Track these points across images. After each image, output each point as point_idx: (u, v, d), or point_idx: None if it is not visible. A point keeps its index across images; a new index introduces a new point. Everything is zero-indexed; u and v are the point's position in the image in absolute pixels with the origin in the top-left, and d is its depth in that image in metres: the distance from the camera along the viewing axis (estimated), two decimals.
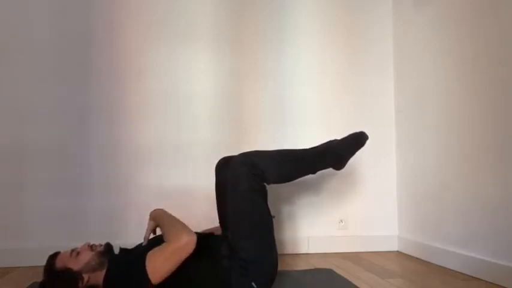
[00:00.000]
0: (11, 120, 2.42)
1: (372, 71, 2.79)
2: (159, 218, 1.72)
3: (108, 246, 1.65)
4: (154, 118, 2.56)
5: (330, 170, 2.06)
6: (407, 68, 2.66)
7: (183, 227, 1.62)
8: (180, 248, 1.52)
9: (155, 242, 1.66)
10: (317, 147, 1.97)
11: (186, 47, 2.61)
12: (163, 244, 1.56)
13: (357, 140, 1.98)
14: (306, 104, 2.71)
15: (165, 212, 1.76)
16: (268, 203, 1.81)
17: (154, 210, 1.79)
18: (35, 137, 2.43)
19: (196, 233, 1.91)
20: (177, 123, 2.58)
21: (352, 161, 2.05)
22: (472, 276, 2.01)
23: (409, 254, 2.57)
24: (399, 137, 2.75)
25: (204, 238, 1.84)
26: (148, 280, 1.48)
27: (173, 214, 2.46)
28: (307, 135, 2.65)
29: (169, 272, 1.51)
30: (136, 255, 1.60)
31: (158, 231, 1.79)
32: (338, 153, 1.95)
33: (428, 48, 2.43)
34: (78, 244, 1.66)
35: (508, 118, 1.84)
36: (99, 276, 1.55)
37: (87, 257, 1.57)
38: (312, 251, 2.63)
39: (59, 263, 1.54)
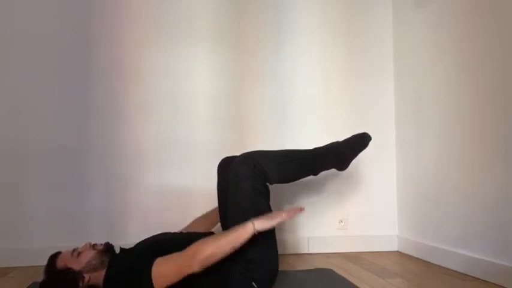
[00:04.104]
0: (11, 120, 2.42)
1: (372, 71, 2.79)
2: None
3: (108, 246, 1.65)
4: (154, 118, 2.56)
5: (331, 170, 2.07)
6: (407, 68, 2.66)
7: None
8: (192, 265, 1.49)
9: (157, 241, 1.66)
10: (320, 148, 1.97)
11: (186, 47, 2.61)
12: (180, 253, 1.53)
13: (360, 141, 1.99)
14: (306, 104, 2.71)
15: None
16: (270, 202, 1.81)
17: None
18: (35, 137, 2.43)
19: (195, 233, 1.92)
20: (177, 123, 2.57)
21: (353, 161, 2.05)
22: (472, 276, 2.01)
23: (409, 254, 2.57)
24: (399, 137, 2.75)
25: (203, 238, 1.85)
26: (151, 284, 1.48)
27: (173, 214, 2.48)
28: (307, 135, 2.65)
29: (174, 282, 1.50)
30: (140, 256, 1.60)
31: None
32: (341, 153, 1.96)
33: (428, 48, 2.43)
34: (78, 244, 1.66)
35: (508, 118, 1.84)
36: (100, 276, 1.55)
37: (88, 256, 1.57)
38: (312, 251, 2.63)
39: (60, 263, 1.55)
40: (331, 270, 2.14)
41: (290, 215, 1.64)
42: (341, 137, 2.02)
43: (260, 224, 1.58)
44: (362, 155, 2.13)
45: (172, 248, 1.69)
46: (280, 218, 1.61)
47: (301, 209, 1.66)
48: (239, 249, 1.69)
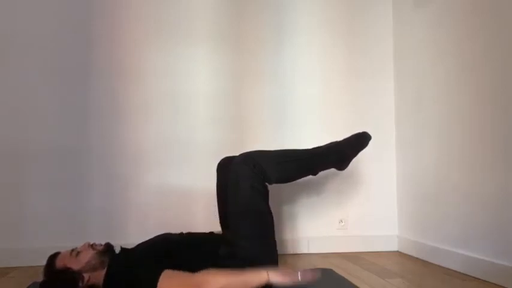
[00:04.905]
0: (11, 120, 2.42)
1: (372, 71, 2.79)
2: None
3: (109, 246, 1.65)
4: (154, 118, 2.56)
5: (330, 170, 2.07)
6: (407, 68, 2.66)
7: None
8: None
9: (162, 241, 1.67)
10: (319, 147, 1.97)
11: (186, 47, 2.61)
12: (191, 275, 1.50)
13: (360, 140, 1.99)
14: (306, 104, 2.71)
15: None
16: (269, 202, 1.81)
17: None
18: (35, 137, 2.43)
19: (196, 233, 1.92)
20: (177, 123, 2.57)
21: (353, 161, 2.06)
22: (472, 276, 2.01)
23: (409, 254, 2.57)
24: (399, 137, 2.75)
25: (203, 238, 1.85)
26: None
27: (173, 214, 2.49)
28: (307, 135, 2.65)
29: None
30: (143, 257, 1.59)
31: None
32: (342, 153, 1.96)
33: (428, 48, 2.43)
34: (78, 244, 1.66)
35: (508, 118, 1.84)
36: (100, 276, 1.55)
37: (87, 256, 1.57)
38: (312, 251, 2.63)
39: (59, 263, 1.55)
40: (331, 270, 2.14)
41: (306, 278, 1.57)
42: (341, 137, 2.02)
43: (275, 277, 1.54)
44: (362, 155, 2.13)
45: (173, 249, 1.69)
46: (295, 278, 1.56)
47: (316, 275, 1.62)
48: (239, 249, 1.69)
